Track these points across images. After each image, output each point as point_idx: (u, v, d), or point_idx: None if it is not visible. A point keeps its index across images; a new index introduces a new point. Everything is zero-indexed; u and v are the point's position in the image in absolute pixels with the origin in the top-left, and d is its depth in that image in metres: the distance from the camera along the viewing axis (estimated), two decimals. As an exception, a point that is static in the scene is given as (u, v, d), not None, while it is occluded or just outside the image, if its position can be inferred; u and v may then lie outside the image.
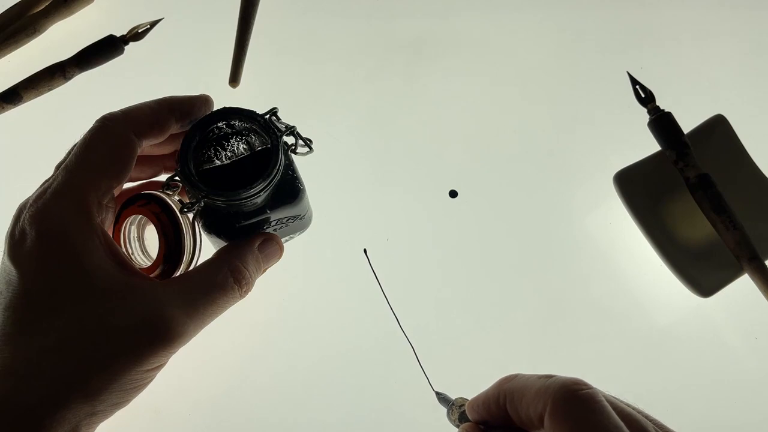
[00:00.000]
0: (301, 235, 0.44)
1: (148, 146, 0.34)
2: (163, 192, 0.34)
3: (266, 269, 0.37)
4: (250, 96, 0.54)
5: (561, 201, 0.53)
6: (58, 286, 0.29)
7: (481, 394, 0.31)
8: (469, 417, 0.32)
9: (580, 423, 0.26)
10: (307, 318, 0.49)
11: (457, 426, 0.35)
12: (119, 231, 0.35)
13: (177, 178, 0.33)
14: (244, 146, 0.35)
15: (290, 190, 0.36)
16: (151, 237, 0.36)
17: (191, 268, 0.35)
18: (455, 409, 0.36)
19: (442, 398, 0.39)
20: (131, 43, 0.54)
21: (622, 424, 0.26)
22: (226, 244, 0.36)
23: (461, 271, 0.51)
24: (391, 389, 0.47)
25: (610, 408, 0.27)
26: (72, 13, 0.56)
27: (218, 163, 0.34)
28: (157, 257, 0.35)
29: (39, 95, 0.53)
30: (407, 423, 0.46)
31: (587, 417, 0.26)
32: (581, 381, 0.27)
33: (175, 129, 0.34)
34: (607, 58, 0.57)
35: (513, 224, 0.52)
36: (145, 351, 0.29)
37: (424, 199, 0.53)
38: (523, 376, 0.29)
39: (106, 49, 0.54)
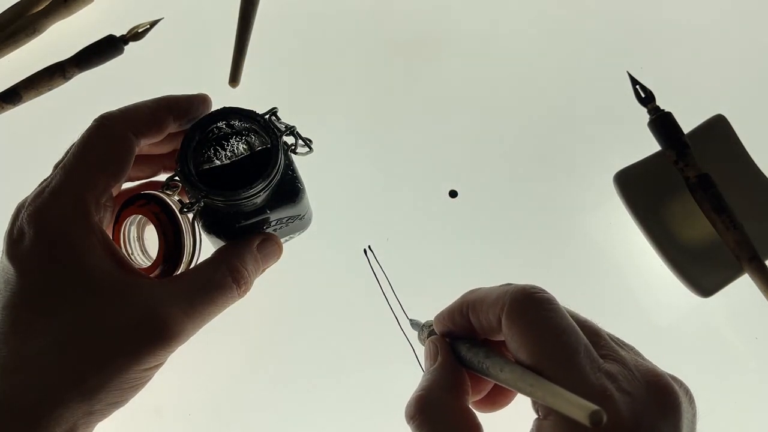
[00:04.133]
0: (301, 235, 0.44)
1: (146, 145, 0.34)
2: (162, 192, 0.34)
3: (265, 269, 0.37)
4: (250, 96, 0.53)
5: (561, 201, 0.53)
6: (55, 284, 0.29)
7: (446, 307, 0.32)
8: (436, 330, 0.33)
9: (535, 321, 0.27)
10: (307, 318, 0.49)
11: None
12: (119, 231, 0.35)
13: (177, 178, 0.33)
14: (244, 146, 0.35)
15: (290, 190, 0.36)
16: (151, 237, 0.36)
17: (191, 267, 0.35)
18: (425, 328, 0.36)
19: (414, 324, 0.40)
20: (131, 43, 0.54)
21: (574, 323, 0.27)
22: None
23: (461, 271, 0.51)
24: (392, 389, 0.47)
25: (564, 310, 0.28)
26: (72, 13, 0.56)
27: (218, 163, 0.34)
28: (156, 257, 0.35)
29: (39, 95, 0.53)
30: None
31: (541, 315, 0.27)
32: (538, 286, 0.28)
33: (173, 128, 0.34)
34: (607, 58, 0.57)
35: (513, 224, 0.52)
36: (143, 350, 0.29)
37: (424, 199, 0.53)
38: (485, 287, 0.30)
39: (105, 49, 0.54)
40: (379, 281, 0.48)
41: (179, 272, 0.35)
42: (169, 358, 0.32)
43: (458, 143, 0.54)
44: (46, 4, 0.56)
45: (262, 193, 0.33)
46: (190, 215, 0.34)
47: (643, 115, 0.51)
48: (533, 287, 0.28)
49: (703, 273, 0.48)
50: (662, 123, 0.50)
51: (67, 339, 0.29)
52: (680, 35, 0.59)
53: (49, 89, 0.53)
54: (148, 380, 0.31)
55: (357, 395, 0.47)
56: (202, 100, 0.35)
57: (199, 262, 0.35)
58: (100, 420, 0.30)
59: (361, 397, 0.47)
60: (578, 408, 0.22)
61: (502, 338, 0.28)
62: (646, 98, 0.51)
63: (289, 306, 0.49)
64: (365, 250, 0.49)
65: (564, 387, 0.24)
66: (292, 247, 0.42)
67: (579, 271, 0.51)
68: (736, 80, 0.57)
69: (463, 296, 0.31)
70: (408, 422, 0.29)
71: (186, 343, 0.32)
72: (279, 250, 0.37)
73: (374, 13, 0.59)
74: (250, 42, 0.55)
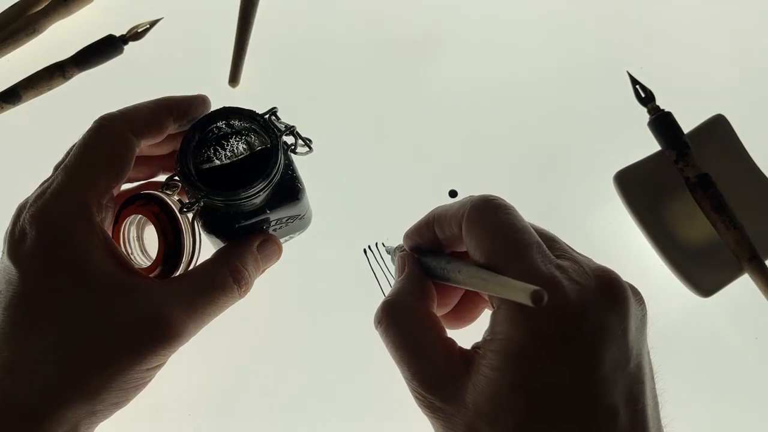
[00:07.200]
0: (301, 234, 0.44)
1: (146, 146, 0.34)
2: (162, 192, 0.34)
3: (265, 269, 0.37)
4: (250, 96, 0.53)
5: (561, 201, 0.53)
6: (57, 285, 0.29)
7: (414, 223, 0.33)
8: (405, 246, 0.35)
9: (490, 222, 0.28)
10: (307, 318, 0.49)
11: None
12: (119, 231, 0.35)
13: (176, 177, 0.33)
14: (244, 146, 0.35)
15: (290, 190, 0.36)
16: (151, 237, 0.36)
17: (191, 268, 0.35)
18: (397, 250, 0.37)
19: (388, 249, 0.40)
20: (131, 43, 0.54)
21: (529, 226, 0.28)
22: (225, 244, 0.36)
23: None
24: (391, 390, 0.47)
25: (520, 215, 0.29)
26: (72, 12, 0.56)
27: (218, 163, 0.34)
28: (156, 257, 0.35)
29: (38, 95, 0.53)
30: (406, 423, 0.46)
31: (497, 217, 0.28)
32: (497, 195, 0.29)
33: (173, 129, 0.34)
34: (607, 58, 0.57)
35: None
36: (145, 350, 0.29)
37: (424, 199, 0.53)
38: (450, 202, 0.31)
39: (105, 48, 0.54)
40: (379, 281, 0.48)
41: (179, 272, 0.35)
42: (169, 358, 0.32)
43: (458, 143, 0.54)
44: (46, 4, 0.56)
45: (261, 193, 0.33)
46: (190, 215, 0.34)
47: (643, 115, 0.51)
48: (492, 195, 0.29)
49: (703, 273, 0.48)
50: (662, 123, 0.50)
51: (69, 339, 0.29)
52: (680, 35, 0.59)
53: (49, 89, 0.53)
54: (150, 380, 0.31)
55: (357, 395, 0.47)
56: (201, 100, 0.35)
57: (199, 262, 0.35)
58: (102, 420, 0.30)
59: (361, 397, 0.47)
60: (522, 291, 0.23)
61: (465, 248, 0.29)
62: (646, 98, 0.51)
63: (289, 306, 0.49)
64: (365, 250, 0.49)
65: (515, 278, 0.25)
66: (292, 247, 0.42)
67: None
68: (736, 80, 0.57)
69: (430, 212, 0.32)
70: (376, 327, 0.31)
71: (186, 343, 0.32)
72: (279, 250, 0.37)
73: (374, 13, 0.59)
74: (250, 42, 0.55)
